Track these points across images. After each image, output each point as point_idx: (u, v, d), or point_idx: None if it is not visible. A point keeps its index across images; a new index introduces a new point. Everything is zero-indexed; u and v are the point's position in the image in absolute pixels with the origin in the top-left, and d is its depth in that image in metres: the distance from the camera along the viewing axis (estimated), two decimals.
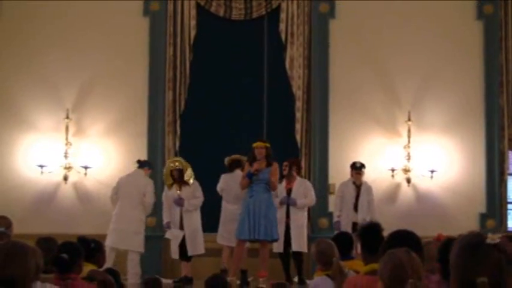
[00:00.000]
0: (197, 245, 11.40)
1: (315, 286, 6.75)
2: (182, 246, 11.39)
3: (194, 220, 11.48)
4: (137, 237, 11.54)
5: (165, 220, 11.62)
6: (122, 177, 11.79)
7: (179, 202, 11.34)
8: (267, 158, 10.68)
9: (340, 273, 6.03)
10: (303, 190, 11.68)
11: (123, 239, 11.35)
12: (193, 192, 11.47)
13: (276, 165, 10.77)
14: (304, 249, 11.57)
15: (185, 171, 11.51)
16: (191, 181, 11.51)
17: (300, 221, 11.64)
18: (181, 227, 11.39)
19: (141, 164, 11.87)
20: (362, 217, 11.76)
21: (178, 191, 11.38)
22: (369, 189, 12.03)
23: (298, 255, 11.60)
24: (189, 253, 11.35)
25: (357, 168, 11.99)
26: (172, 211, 11.48)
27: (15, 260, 3.79)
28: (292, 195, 11.59)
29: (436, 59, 13.24)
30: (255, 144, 10.71)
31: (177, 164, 11.53)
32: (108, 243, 10.98)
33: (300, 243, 11.56)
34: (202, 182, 11.66)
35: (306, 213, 11.83)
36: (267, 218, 10.57)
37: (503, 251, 2.67)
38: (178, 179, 11.45)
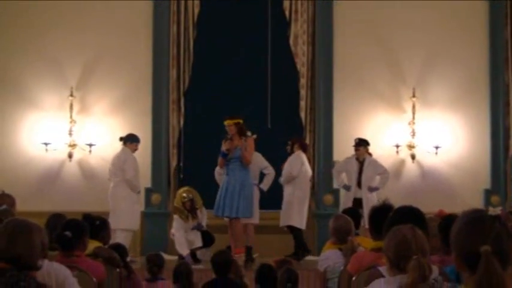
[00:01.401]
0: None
1: (325, 258, 6.82)
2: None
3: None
4: (115, 214, 11.46)
5: (184, 253, 11.43)
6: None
7: (200, 227, 11.50)
8: (239, 134, 10.66)
9: (353, 251, 6.09)
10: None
11: (112, 218, 11.37)
12: (203, 216, 11.66)
13: (250, 140, 10.74)
14: (293, 224, 11.69)
15: (196, 201, 11.59)
16: (202, 209, 11.67)
17: (287, 197, 11.89)
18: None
19: (123, 140, 11.93)
20: (364, 195, 11.86)
21: (193, 222, 11.54)
22: (373, 163, 12.07)
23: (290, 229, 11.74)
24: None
25: (356, 145, 12.07)
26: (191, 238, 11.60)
27: (20, 238, 3.80)
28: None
29: (441, 35, 13.19)
30: (224, 122, 10.71)
31: (190, 195, 11.58)
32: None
33: (285, 217, 11.80)
34: (206, 159, 11.70)
35: (298, 190, 11.84)
36: (240, 196, 10.67)
37: (504, 223, 2.71)
38: (191, 209, 11.52)
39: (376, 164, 12.10)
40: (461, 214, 2.82)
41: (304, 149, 12.11)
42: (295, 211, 11.78)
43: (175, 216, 11.60)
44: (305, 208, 11.96)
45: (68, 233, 5.57)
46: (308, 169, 12.05)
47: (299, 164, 11.86)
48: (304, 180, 11.97)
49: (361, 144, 12.10)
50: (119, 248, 6.84)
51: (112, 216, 11.12)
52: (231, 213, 10.70)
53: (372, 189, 11.95)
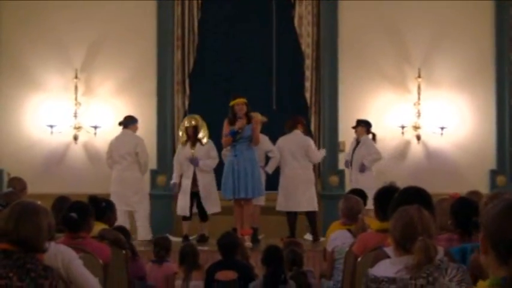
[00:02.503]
0: (213, 203, 11.47)
1: (334, 238, 6.87)
2: (199, 206, 11.47)
3: (208, 179, 11.52)
4: (137, 196, 11.62)
5: (173, 180, 11.64)
6: (112, 141, 11.86)
7: (193, 161, 11.36)
8: (246, 114, 10.66)
9: (363, 230, 6.11)
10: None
11: (125, 201, 11.42)
12: (207, 152, 11.49)
13: (256, 120, 10.72)
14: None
15: (200, 129, 11.52)
16: (205, 140, 11.51)
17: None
18: (194, 185, 11.42)
19: (124, 123, 11.87)
20: (354, 176, 11.86)
21: (192, 150, 11.41)
22: (366, 143, 12.00)
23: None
24: (208, 212, 11.44)
25: (354, 125, 12.07)
26: (184, 168, 11.51)
27: (27, 220, 3.80)
28: None
29: (446, 15, 13.13)
30: (234, 101, 10.62)
31: (193, 122, 11.53)
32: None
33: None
34: (211, 140, 11.69)
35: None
36: (252, 176, 10.64)
37: None
38: (193, 137, 11.46)
39: (368, 144, 12.02)
40: (500, 197, 2.74)
41: (304, 128, 12.06)
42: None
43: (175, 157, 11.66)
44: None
45: (73, 214, 5.59)
46: None
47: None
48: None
49: (359, 124, 12.08)
50: (123, 230, 6.86)
51: (133, 199, 11.51)
52: (247, 193, 10.67)
53: (361, 169, 11.88)
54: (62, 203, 6.40)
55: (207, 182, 11.48)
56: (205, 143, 11.50)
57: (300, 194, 11.59)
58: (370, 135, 12.14)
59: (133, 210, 11.69)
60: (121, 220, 10.89)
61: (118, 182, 11.64)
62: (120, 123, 11.89)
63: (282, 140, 11.77)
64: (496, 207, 2.52)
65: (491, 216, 2.51)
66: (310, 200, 11.67)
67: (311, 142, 11.87)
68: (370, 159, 11.91)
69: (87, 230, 5.71)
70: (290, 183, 11.59)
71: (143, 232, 11.62)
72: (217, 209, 11.52)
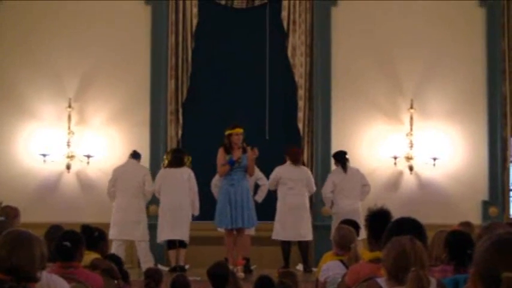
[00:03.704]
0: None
1: (326, 269, 6.84)
2: None
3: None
4: (140, 226, 11.63)
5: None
6: (117, 169, 11.87)
7: None
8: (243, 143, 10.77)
9: (356, 261, 6.10)
10: None
11: (127, 230, 11.41)
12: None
13: (254, 151, 10.78)
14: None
15: (185, 157, 11.65)
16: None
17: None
18: None
19: (135, 155, 11.95)
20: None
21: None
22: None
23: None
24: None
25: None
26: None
27: (20, 249, 3.79)
28: None
29: (439, 46, 13.21)
30: (233, 131, 10.74)
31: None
32: (112, 236, 11.08)
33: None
34: (203, 170, 11.73)
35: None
36: (248, 206, 10.74)
37: None
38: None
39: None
40: (492, 232, 2.75)
41: (294, 158, 12.10)
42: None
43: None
44: None
45: (67, 243, 5.57)
46: None
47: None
48: None
49: (335, 156, 12.29)
50: (116, 259, 6.84)
51: (136, 228, 11.52)
52: (244, 223, 10.71)
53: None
54: (55, 231, 6.39)
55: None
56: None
57: (299, 223, 11.63)
58: (337, 167, 12.17)
59: (135, 239, 11.65)
60: (120, 250, 10.94)
61: (122, 211, 11.60)
62: (133, 153, 11.96)
63: (284, 170, 11.79)
64: (485, 243, 2.54)
65: (480, 251, 2.53)
66: (308, 230, 11.73)
67: (311, 173, 12.02)
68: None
69: (79, 259, 5.70)
70: (290, 212, 11.62)
71: (149, 261, 11.53)
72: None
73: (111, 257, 6.80)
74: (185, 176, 11.43)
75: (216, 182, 11.56)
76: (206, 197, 11.74)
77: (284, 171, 11.78)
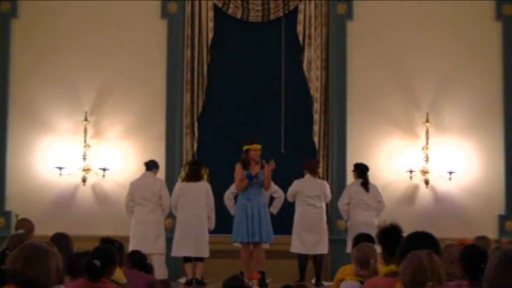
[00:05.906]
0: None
1: (345, 287, 6.81)
2: None
3: None
4: (159, 239, 11.61)
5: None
6: (133, 183, 11.81)
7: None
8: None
9: (375, 274, 6.07)
10: None
11: (146, 244, 11.37)
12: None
13: (271, 165, 10.89)
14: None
15: (202, 169, 11.63)
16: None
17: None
18: None
19: (149, 166, 11.91)
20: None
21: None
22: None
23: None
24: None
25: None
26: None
27: (36, 262, 3.80)
28: None
29: (455, 60, 13.19)
30: (251, 146, 10.82)
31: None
32: (132, 248, 11.07)
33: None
34: (219, 184, 11.74)
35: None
36: (265, 220, 10.82)
37: None
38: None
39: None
40: (498, 252, 2.74)
41: (312, 171, 12.06)
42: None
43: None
44: None
45: (97, 261, 5.38)
46: None
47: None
48: None
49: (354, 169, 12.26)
50: (139, 254, 6.88)
51: (156, 242, 11.48)
52: (261, 237, 10.74)
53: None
54: (61, 240, 6.44)
55: None
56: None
57: (317, 237, 11.62)
58: (357, 180, 12.10)
59: (155, 253, 11.60)
60: None
61: (142, 224, 11.55)
62: (145, 164, 11.93)
63: (302, 184, 11.77)
64: (494, 259, 2.54)
65: (490, 267, 2.53)
66: (325, 243, 11.72)
67: (328, 186, 12.04)
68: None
69: (109, 276, 5.52)
70: (308, 226, 11.60)
71: (163, 274, 11.52)
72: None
73: (134, 253, 6.83)
74: (203, 191, 11.39)
75: (228, 195, 11.62)
76: (221, 210, 11.74)
77: (303, 185, 11.76)
